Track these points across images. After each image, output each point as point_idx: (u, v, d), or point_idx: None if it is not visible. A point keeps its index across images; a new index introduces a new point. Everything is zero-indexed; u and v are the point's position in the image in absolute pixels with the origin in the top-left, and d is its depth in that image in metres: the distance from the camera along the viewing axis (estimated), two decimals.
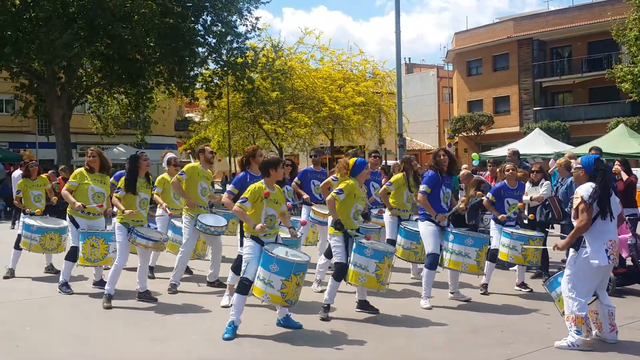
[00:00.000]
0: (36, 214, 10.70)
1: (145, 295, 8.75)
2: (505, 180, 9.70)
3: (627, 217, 9.60)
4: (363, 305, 8.13)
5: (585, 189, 6.52)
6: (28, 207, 10.76)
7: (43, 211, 10.92)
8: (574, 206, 6.57)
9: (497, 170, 11.53)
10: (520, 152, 13.58)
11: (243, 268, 7.04)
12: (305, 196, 10.60)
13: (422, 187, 8.70)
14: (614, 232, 6.60)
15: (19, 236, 10.73)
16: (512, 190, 9.57)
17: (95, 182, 9.32)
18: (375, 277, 7.65)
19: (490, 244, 9.14)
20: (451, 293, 8.92)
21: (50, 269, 11.13)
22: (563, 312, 6.81)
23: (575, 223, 6.56)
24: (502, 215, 9.37)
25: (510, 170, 9.66)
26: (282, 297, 6.82)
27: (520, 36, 45.88)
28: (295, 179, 10.96)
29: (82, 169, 9.49)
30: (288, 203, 8.08)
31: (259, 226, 6.93)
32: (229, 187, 8.56)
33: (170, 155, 11.12)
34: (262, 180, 7.31)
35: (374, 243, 7.95)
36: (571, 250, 6.65)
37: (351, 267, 7.69)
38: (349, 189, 7.78)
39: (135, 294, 8.91)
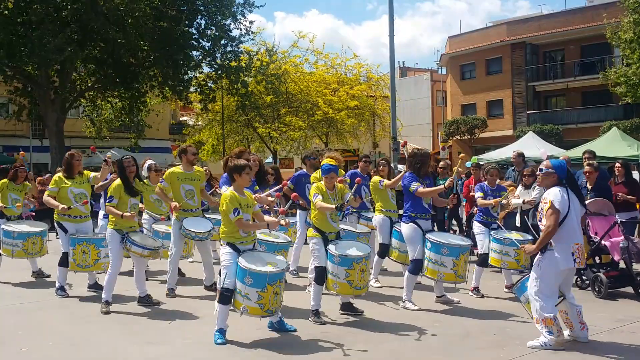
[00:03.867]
0: (17, 208, 10.74)
1: (146, 300, 8.75)
2: (485, 182, 9.81)
3: (625, 220, 9.69)
4: (346, 307, 8.16)
5: (554, 194, 6.61)
6: (4, 204, 10.77)
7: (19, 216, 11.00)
8: (544, 210, 6.64)
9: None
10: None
11: (222, 277, 6.95)
12: (302, 201, 10.58)
13: (412, 186, 8.63)
14: (580, 236, 6.72)
15: None
16: (493, 190, 9.71)
17: (74, 184, 9.39)
18: (347, 284, 7.66)
19: (472, 250, 9.12)
20: (438, 297, 8.96)
21: (40, 273, 11.08)
22: (533, 315, 6.88)
23: (541, 227, 6.67)
24: (495, 200, 9.49)
25: (492, 175, 9.82)
26: (260, 308, 6.80)
27: (513, 40, 45.93)
28: (288, 183, 10.93)
29: (59, 174, 9.56)
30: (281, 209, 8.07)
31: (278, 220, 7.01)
32: (220, 190, 8.60)
33: (149, 162, 11.09)
34: (231, 187, 7.25)
35: (344, 249, 7.85)
36: (538, 254, 6.74)
37: (327, 274, 7.73)
38: (321, 190, 7.82)
39: (130, 299, 8.92)
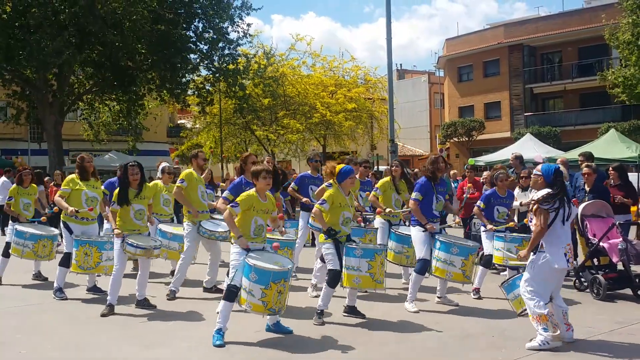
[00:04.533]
0: (25, 219, 10.70)
1: (144, 303, 8.74)
2: (495, 188, 9.75)
3: (619, 223, 9.68)
4: (351, 310, 8.14)
5: (542, 195, 6.73)
6: (18, 214, 10.76)
7: (38, 220, 10.93)
8: (534, 210, 6.78)
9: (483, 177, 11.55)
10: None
11: (231, 275, 7.03)
12: (305, 199, 10.57)
13: (413, 195, 8.72)
14: (569, 236, 6.88)
15: (8, 244, 10.67)
16: (501, 198, 9.63)
17: (88, 187, 9.41)
18: (369, 277, 7.74)
19: (478, 252, 9.14)
20: (438, 298, 8.96)
21: (38, 275, 11.06)
22: (520, 312, 7.26)
23: (532, 227, 6.81)
24: (490, 226, 9.42)
25: (504, 181, 9.72)
26: (263, 305, 6.81)
27: (510, 42, 46.00)
28: (292, 184, 10.96)
29: (73, 175, 9.55)
30: (280, 214, 8.12)
31: (241, 241, 7.00)
32: (225, 193, 8.65)
33: (164, 164, 11.22)
34: (254, 189, 7.33)
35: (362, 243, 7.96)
36: (530, 254, 6.88)
37: (344, 270, 7.74)
38: (332, 198, 7.79)
39: (129, 300, 8.92)
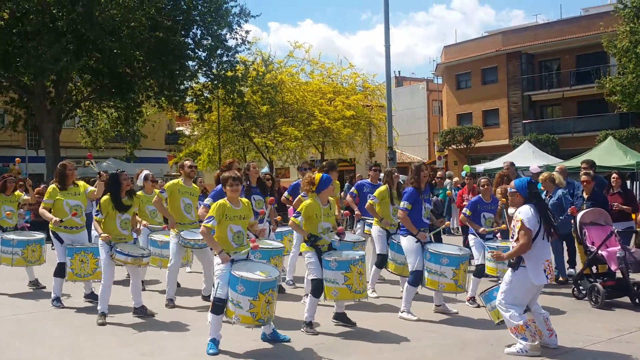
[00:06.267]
0: (7, 216, 10.67)
1: (141, 311, 8.71)
2: (480, 195, 9.74)
3: (622, 230, 9.67)
4: (340, 317, 8.12)
5: (525, 212, 6.77)
6: None
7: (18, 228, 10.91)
8: (516, 228, 6.79)
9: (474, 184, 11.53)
10: None
11: (215, 287, 6.96)
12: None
13: (402, 204, 8.72)
14: (549, 252, 6.98)
15: None
16: (486, 204, 9.63)
17: (68, 196, 9.36)
18: (346, 288, 7.64)
19: (470, 260, 9.12)
20: (437, 306, 8.93)
21: (36, 284, 11.01)
22: (498, 322, 7.34)
23: (513, 243, 6.85)
24: (483, 228, 9.41)
25: (485, 186, 9.70)
26: (252, 317, 6.75)
27: (508, 49, 46.02)
28: (285, 193, 10.94)
29: (53, 185, 9.50)
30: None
31: (223, 256, 6.92)
32: (207, 200, 8.60)
33: (145, 172, 11.10)
34: (225, 197, 7.29)
35: (339, 255, 7.88)
36: (509, 269, 6.93)
37: (324, 283, 7.70)
38: (308, 211, 7.78)
39: (127, 309, 8.88)
